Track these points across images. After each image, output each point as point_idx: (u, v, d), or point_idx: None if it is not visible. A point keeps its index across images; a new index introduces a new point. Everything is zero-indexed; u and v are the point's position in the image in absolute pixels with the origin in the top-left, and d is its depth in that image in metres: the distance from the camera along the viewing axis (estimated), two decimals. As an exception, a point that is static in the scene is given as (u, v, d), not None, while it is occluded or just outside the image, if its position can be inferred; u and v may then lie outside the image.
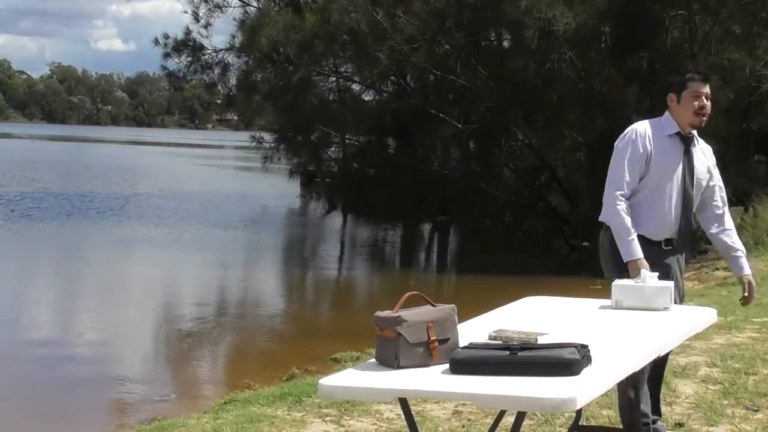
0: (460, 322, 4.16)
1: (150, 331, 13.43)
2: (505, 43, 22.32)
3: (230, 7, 26.62)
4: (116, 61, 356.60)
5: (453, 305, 4.22)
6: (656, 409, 5.65)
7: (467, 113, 22.97)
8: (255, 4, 26.83)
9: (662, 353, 4.52)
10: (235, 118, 37.77)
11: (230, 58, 26.20)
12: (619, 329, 4.57)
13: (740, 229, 19.01)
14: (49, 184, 38.91)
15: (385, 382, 3.70)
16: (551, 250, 21.28)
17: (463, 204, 22.98)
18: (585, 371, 3.66)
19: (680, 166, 5.52)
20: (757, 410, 6.45)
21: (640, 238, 5.43)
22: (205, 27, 26.40)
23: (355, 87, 26.07)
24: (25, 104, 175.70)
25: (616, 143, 5.64)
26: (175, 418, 7.74)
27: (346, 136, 25.84)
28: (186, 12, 26.49)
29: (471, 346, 3.86)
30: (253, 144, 28.86)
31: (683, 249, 5.74)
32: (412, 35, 21.08)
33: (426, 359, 3.88)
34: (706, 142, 5.85)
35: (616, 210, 5.42)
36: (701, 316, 5.07)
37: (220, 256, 21.42)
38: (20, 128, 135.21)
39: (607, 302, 5.09)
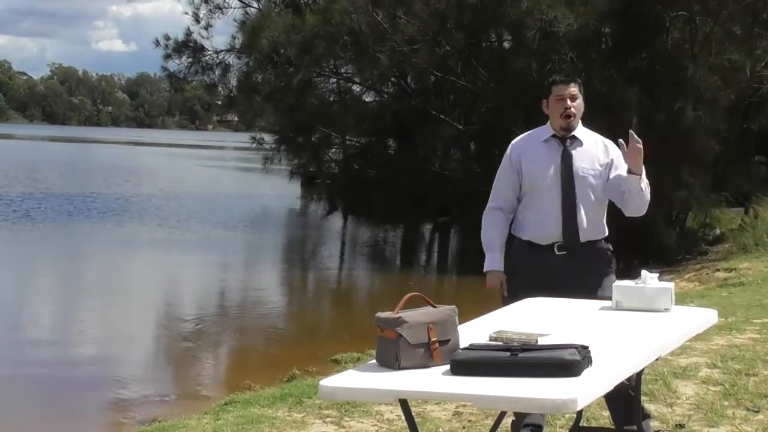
0: (460, 323, 4.16)
1: (150, 331, 13.43)
2: (506, 44, 22.32)
3: (231, 8, 26.62)
4: (117, 62, 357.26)
5: (454, 306, 4.22)
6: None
7: (468, 114, 22.95)
8: (255, 5, 26.82)
9: (663, 354, 4.52)
10: (236, 119, 37.74)
11: (231, 59, 26.22)
12: (620, 330, 4.57)
13: (740, 230, 19.08)
14: (51, 185, 38.94)
15: (385, 383, 3.70)
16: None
17: (464, 205, 22.94)
18: (586, 372, 3.66)
19: (554, 169, 5.52)
20: (758, 411, 6.45)
21: (528, 243, 5.59)
22: (206, 28, 26.40)
23: (356, 88, 26.08)
24: (26, 105, 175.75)
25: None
26: (175, 419, 7.75)
27: (347, 137, 25.83)
28: (187, 13, 26.49)
29: (472, 347, 3.87)
30: (254, 145, 28.86)
31: (591, 260, 5.55)
32: (412, 36, 21.08)
33: (427, 360, 3.88)
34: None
35: (483, 221, 5.73)
36: (702, 317, 5.06)
37: (221, 256, 21.43)
38: (21, 129, 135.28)
39: (607, 303, 5.09)
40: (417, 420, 4.70)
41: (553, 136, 5.59)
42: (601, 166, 5.56)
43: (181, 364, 11.78)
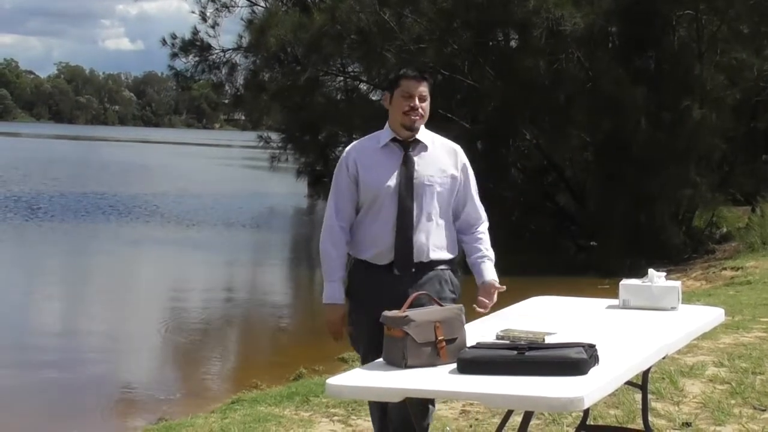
0: (467, 321, 4.18)
1: (157, 330, 13.43)
2: (513, 43, 22.29)
3: (238, 6, 26.58)
4: (124, 60, 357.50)
5: (460, 305, 4.24)
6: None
7: (475, 113, 22.91)
8: (263, 3, 26.80)
9: (670, 352, 4.53)
10: (243, 117, 37.68)
11: (238, 57, 26.17)
12: (627, 329, 4.58)
13: (747, 228, 19.07)
14: (62, 184, 38.98)
15: (392, 381, 3.71)
16: (558, 249, 21.24)
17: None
18: (592, 371, 3.67)
19: (395, 178, 4.80)
20: (765, 410, 6.45)
21: (364, 263, 4.86)
22: (213, 27, 26.37)
23: (363, 87, 26.05)
24: (33, 104, 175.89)
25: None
26: (182, 418, 7.76)
27: (354, 136, 25.79)
28: (193, 12, 26.46)
29: (478, 346, 3.88)
30: (261, 144, 28.87)
31: (425, 284, 4.77)
32: (419, 35, 21.06)
33: (433, 359, 3.89)
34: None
35: (322, 243, 4.91)
36: (708, 316, 5.07)
37: (228, 255, 21.43)
38: (28, 128, 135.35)
39: (614, 302, 5.10)
40: (424, 418, 4.71)
41: (393, 140, 4.86)
42: (448, 174, 4.88)
43: (188, 362, 11.78)
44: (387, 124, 4.90)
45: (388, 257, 4.79)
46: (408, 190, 4.77)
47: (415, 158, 4.83)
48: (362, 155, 4.87)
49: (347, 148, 4.96)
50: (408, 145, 4.84)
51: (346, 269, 4.89)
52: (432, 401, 4.76)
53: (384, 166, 4.81)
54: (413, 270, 4.77)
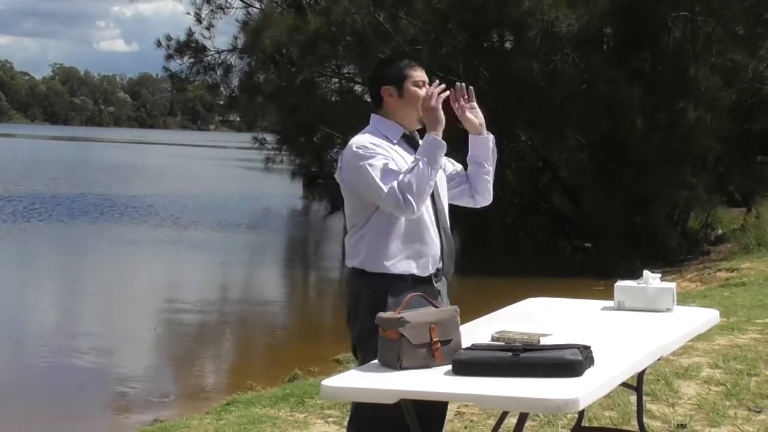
0: (462, 323, 4.17)
1: (152, 331, 13.43)
2: (508, 44, 22.31)
3: (233, 8, 26.60)
4: (119, 62, 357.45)
5: (455, 306, 4.22)
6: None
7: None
8: (258, 5, 26.82)
9: (665, 354, 4.52)
10: (238, 119, 37.68)
11: (233, 59, 26.20)
12: (622, 330, 4.57)
13: (742, 230, 19.09)
14: (58, 184, 39.01)
15: (387, 383, 3.70)
16: (554, 251, 21.27)
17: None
18: (587, 372, 3.66)
19: None
20: (760, 411, 6.45)
21: (404, 279, 4.33)
22: (208, 28, 26.37)
23: (358, 88, 26.05)
24: (28, 105, 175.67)
25: (354, 160, 4.40)
26: (177, 419, 7.76)
27: (349, 138, 25.78)
28: (188, 13, 26.46)
29: (474, 348, 3.87)
30: (256, 145, 28.88)
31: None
32: (414, 36, 21.08)
33: (428, 360, 3.88)
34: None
35: (403, 192, 4.22)
36: (703, 317, 5.06)
37: (223, 256, 21.43)
38: (22, 129, 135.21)
39: (609, 303, 5.09)
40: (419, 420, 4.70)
41: (403, 136, 4.49)
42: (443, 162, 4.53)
43: (183, 364, 11.77)
44: (385, 120, 4.50)
45: (435, 265, 4.43)
46: (435, 188, 4.40)
47: None
48: (391, 156, 4.39)
49: (360, 141, 4.45)
50: (414, 140, 4.49)
51: (371, 289, 4.35)
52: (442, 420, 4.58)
53: (407, 163, 4.34)
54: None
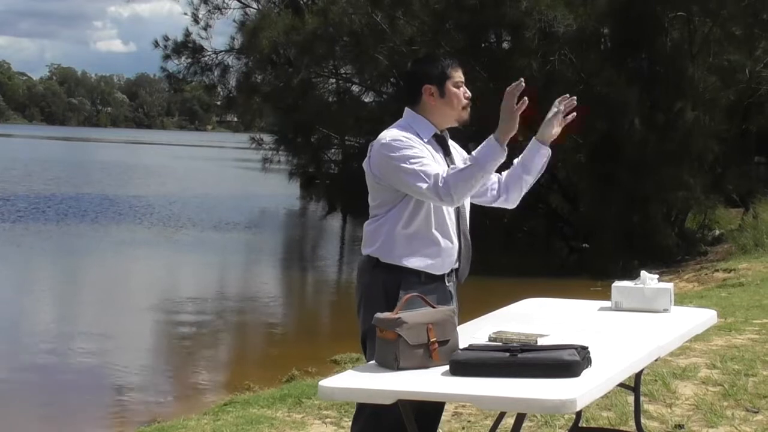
0: (460, 323, 4.17)
1: (150, 333, 13.43)
2: (506, 45, 22.31)
3: (230, 8, 26.65)
4: (116, 62, 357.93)
5: (453, 307, 4.22)
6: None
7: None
8: (255, 5, 26.85)
9: (662, 354, 4.52)
10: (235, 119, 37.74)
11: (230, 59, 26.25)
12: (619, 331, 4.57)
13: (740, 230, 19.09)
14: (56, 185, 38.96)
15: (384, 383, 3.70)
16: (551, 251, 21.28)
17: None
18: (585, 373, 3.66)
19: None
20: (757, 412, 6.45)
21: (417, 275, 4.35)
22: (205, 29, 26.43)
23: (355, 88, 26.07)
24: (25, 106, 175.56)
25: (387, 152, 4.36)
26: (174, 420, 7.74)
27: (346, 138, 25.81)
28: (186, 14, 26.52)
29: (471, 348, 3.87)
30: (253, 145, 28.88)
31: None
32: (412, 37, 21.08)
33: (426, 361, 3.88)
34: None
35: (449, 186, 4.24)
36: (701, 318, 5.06)
37: (220, 257, 21.43)
38: (20, 129, 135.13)
39: (607, 304, 5.09)
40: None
41: (434, 135, 4.48)
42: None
43: (181, 364, 11.77)
44: (420, 118, 4.45)
45: (451, 265, 4.46)
46: None
47: (453, 153, 4.56)
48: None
49: (394, 134, 4.37)
50: (444, 140, 4.51)
51: (383, 281, 4.37)
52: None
53: (438, 162, 4.36)
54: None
